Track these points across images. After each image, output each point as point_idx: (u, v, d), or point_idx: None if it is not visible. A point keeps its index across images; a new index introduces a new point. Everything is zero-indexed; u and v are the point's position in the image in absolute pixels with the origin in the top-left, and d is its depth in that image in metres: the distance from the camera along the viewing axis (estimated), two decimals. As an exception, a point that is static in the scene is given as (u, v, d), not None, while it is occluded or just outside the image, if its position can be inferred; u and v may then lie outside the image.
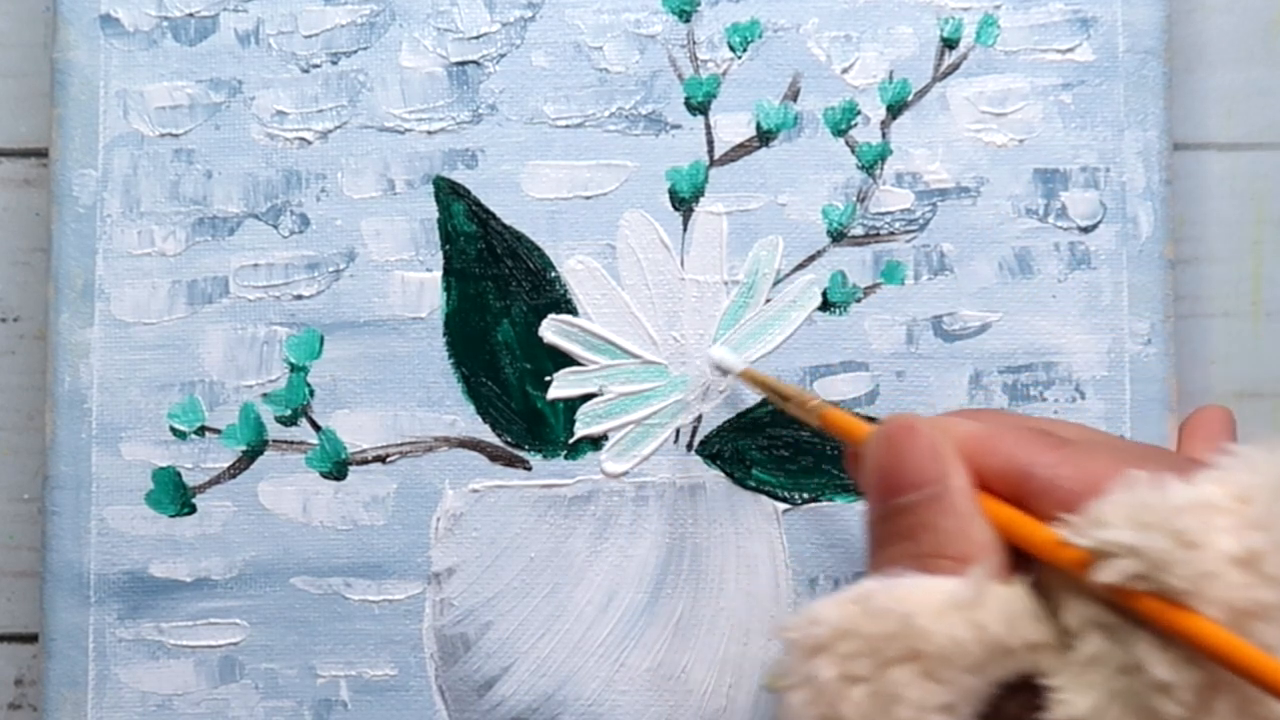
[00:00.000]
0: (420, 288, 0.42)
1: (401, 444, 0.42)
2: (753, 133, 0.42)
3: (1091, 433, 0.30)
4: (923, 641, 0.25)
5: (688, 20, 0.42)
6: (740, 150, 0.42)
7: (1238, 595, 0.23)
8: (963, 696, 0.25)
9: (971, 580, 0.25)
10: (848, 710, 0.25)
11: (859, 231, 0.42)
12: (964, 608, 0.25)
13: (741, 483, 0.42)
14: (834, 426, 0.34)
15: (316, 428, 0.42)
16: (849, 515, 0.42)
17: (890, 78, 0.42)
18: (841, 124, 0.42)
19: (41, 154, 0.45)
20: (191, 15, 0.42)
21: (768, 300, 0.42)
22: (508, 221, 0.42)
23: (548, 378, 0.42)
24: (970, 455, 0.27)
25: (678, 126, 0.42)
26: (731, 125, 0.42)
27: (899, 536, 0.27)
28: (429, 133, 0.42)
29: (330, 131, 0.42)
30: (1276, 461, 0.25)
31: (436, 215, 0.42)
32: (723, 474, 0.42)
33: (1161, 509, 0.24)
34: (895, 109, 0.42)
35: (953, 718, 0.25)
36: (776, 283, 0.42)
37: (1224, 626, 0.23)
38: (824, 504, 0.42)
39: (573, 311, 0.42)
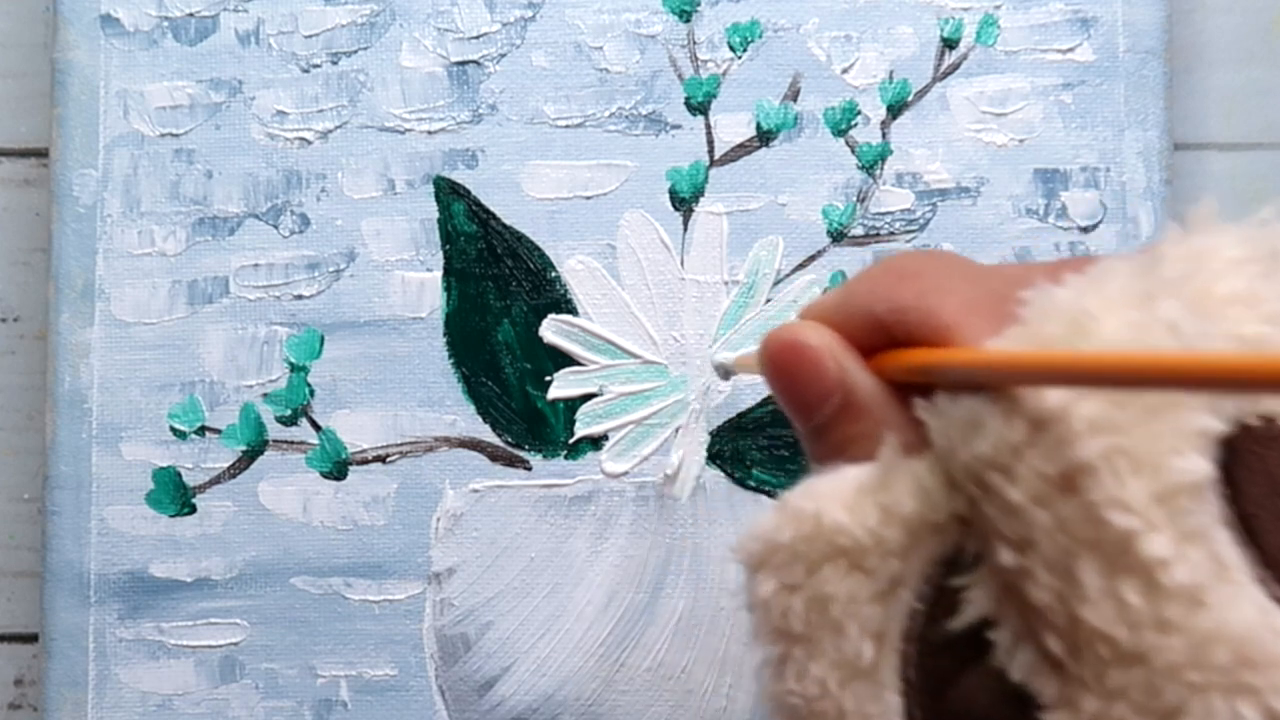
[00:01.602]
0: (420, 288, 0.42)
1: (402, 444, 0.42)
2: (753, 133, 0.42)
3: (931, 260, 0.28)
4: (839, 535, 0.24)
5: (688, 20, 0.42)
6: (740, 150, 0.42)
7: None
8: (896, 582, 0.24)
9: (878, 461, 0.24)
10: (793, 622, 0.24)
11: (859, 231, 0.42)
12: (872, 491, 0.24)
13: (741, 483, 0.42)
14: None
15: (317, 428, 0.42)
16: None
17: (890, 78, 0.42)
18: (842, 124, 0.42)
19: (41, 154, 0.45)
20: (192, 15, 0.42)
21: (768, 300, 0.42)
22: (508, 221, 0.42)
23: (548, 378, 0.42)
24: (849, 332, 0.26)
25: (678, 126, 0.42)
26: (732, 125, 0.42)
27: (829, 453, 0.26)
28: (429, 133, 0.42)
29: (330, 131, 0.42)
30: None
31: (437, 215, 0.42)
32: (723, 474, 0.42)
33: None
34: (895, 109, 0.42)
35: (892, 605, 0.24)
36: (777, 283, 0.42)
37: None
38: (824, 504, 0.42)
39: (573, 311, 0.42)
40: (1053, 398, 0.21)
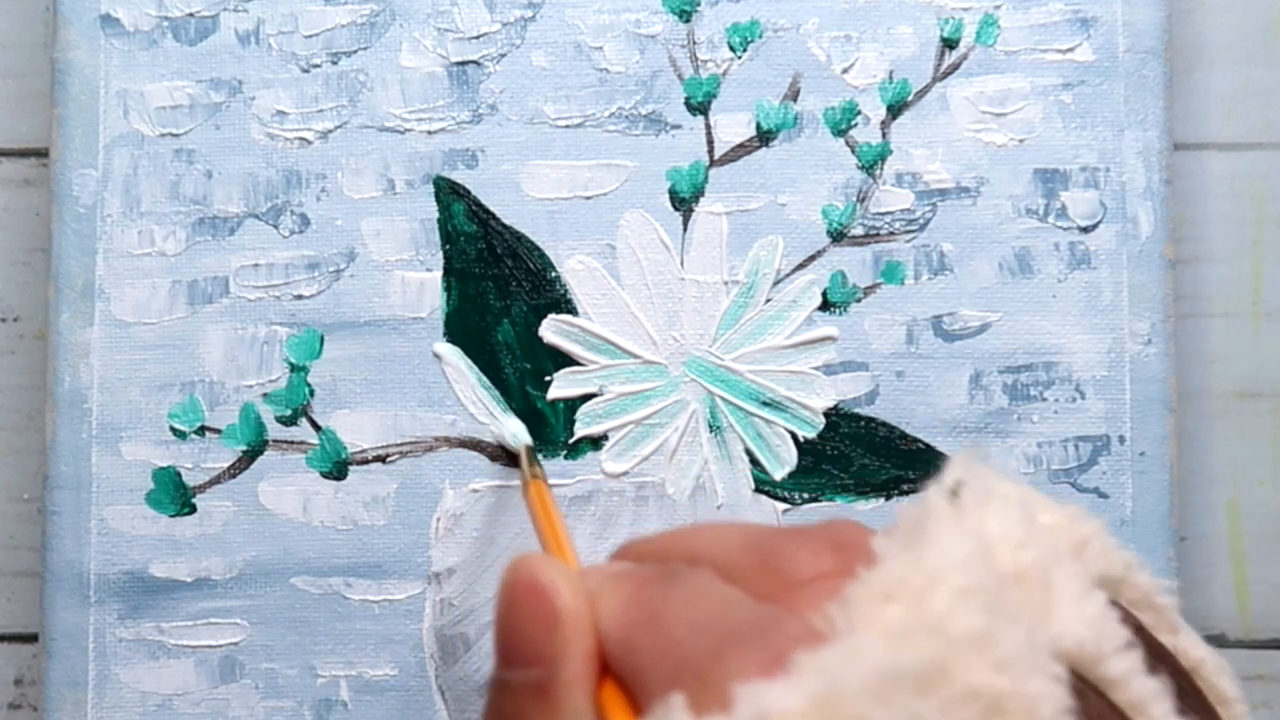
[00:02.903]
0: (420, 288, 0.42)
1: (401, 444, 0.42)
2: (753, 133, 0.42)
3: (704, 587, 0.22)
4: None
5: (688, 20, 0.42)
6: (740, 150, 0.42)
7: None
8: None
9: None
10: None
11: (859, 231, 0.42)
12: None
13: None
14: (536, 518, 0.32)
15: (317, 428, 0.42)
16: (849, 515, 0.42)
17: (890, 78, 0.42)
18: (841, 124, 0.42)
19: (41, 154, 0.45)
20: (191, 15, 0.42)
21: (768, 300, 0.42)
22: (508, 221, 0.42)
23: (548, 378, 0.42)
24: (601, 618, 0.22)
25: (678, 126, 0.42)
26: (731, 125, 0.42)
27: (500, 716, 0.22)
28: (429, 133, 0.42)
29: (330, 131, 0.42)
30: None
31: (436, 215, 0.42)
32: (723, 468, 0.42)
33: None
34: (895, 109, 0.42)
35: None
36: (776, 283, 0.42)
37: None
38: (824, 503, 0.42)
39: (573, 311, 0.42)
40: None
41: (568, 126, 0.42)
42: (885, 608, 0.20)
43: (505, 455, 0.42)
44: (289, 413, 0.42)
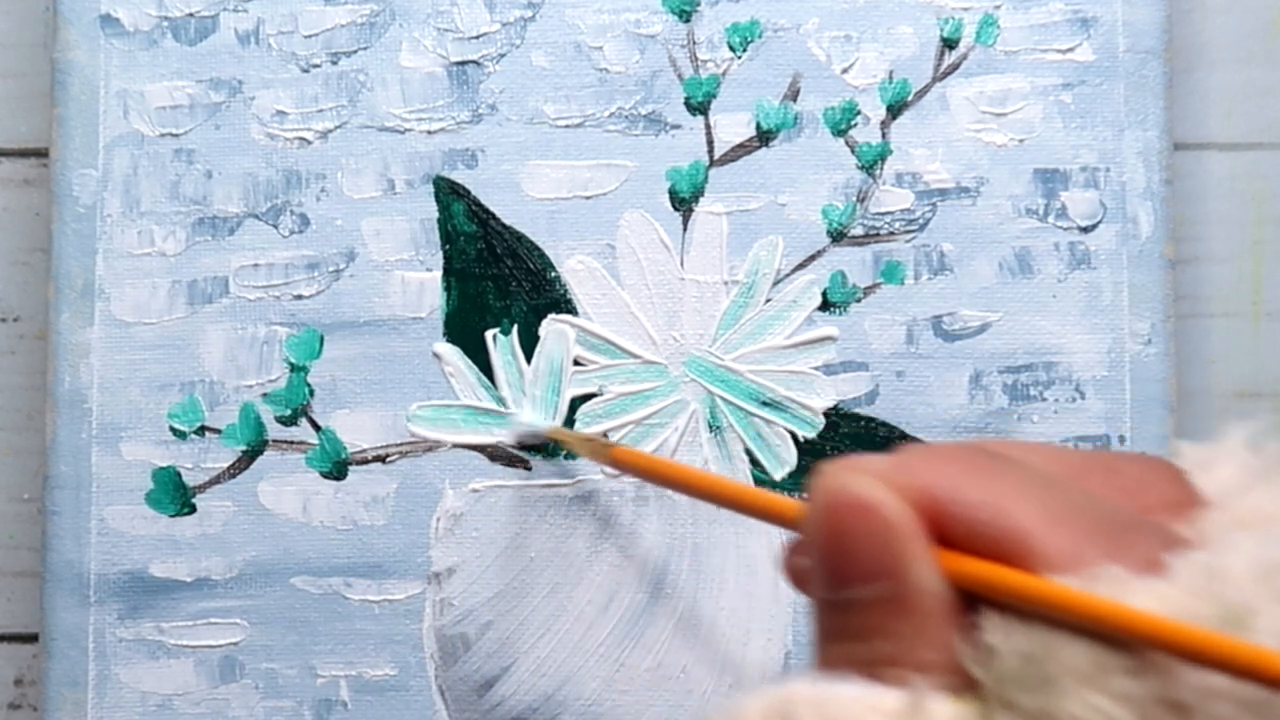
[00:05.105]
0: (420, 288, 0.42)
1: (401, 444, 0.42)
2: (753, 133, 0.42)
3: (1057, 463, 0.24)
4: None
5: (688, 20, 0.42)
6: (740, 150, 0.42)
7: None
8: None
9: (910, 703, 0.20)
10: None
11: (859, 231, 0.42)
12: None
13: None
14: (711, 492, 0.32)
15: (316, 428, 0.42)
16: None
17: (890, 78, 0.42)
18: (841, 124, 0.42)
19: (41, 154, 0.45)
20: (191, 15, 0.42)
21: (768, 300, 0.42)
22: (508, 221, 0.42)
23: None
24: (934, 516, 0.22)
25: (678, 126, 0.42)
26: (731, 125, 0.42)
27: (846, 635, 0.22)
28: (429, 133, 0.42)
29: (330, 131, 0.42)
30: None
31: (436, 215, 0.42)
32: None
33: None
34: (895, 109, 0.42)
35: None
36: (776, 283, 0.42)
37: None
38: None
39: (573, 311, 0.42)
40: (1188, 689, 0.19)
41: (568, 126, 0.42)
42: (1243, 534, 0.21)
43: (505, 456, 0.42)
44: (289, 413, 0.42)
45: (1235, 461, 0.22)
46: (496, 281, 0.42)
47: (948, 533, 0.21)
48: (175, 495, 0.42)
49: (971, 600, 0.21)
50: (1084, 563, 0.20)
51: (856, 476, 0.22)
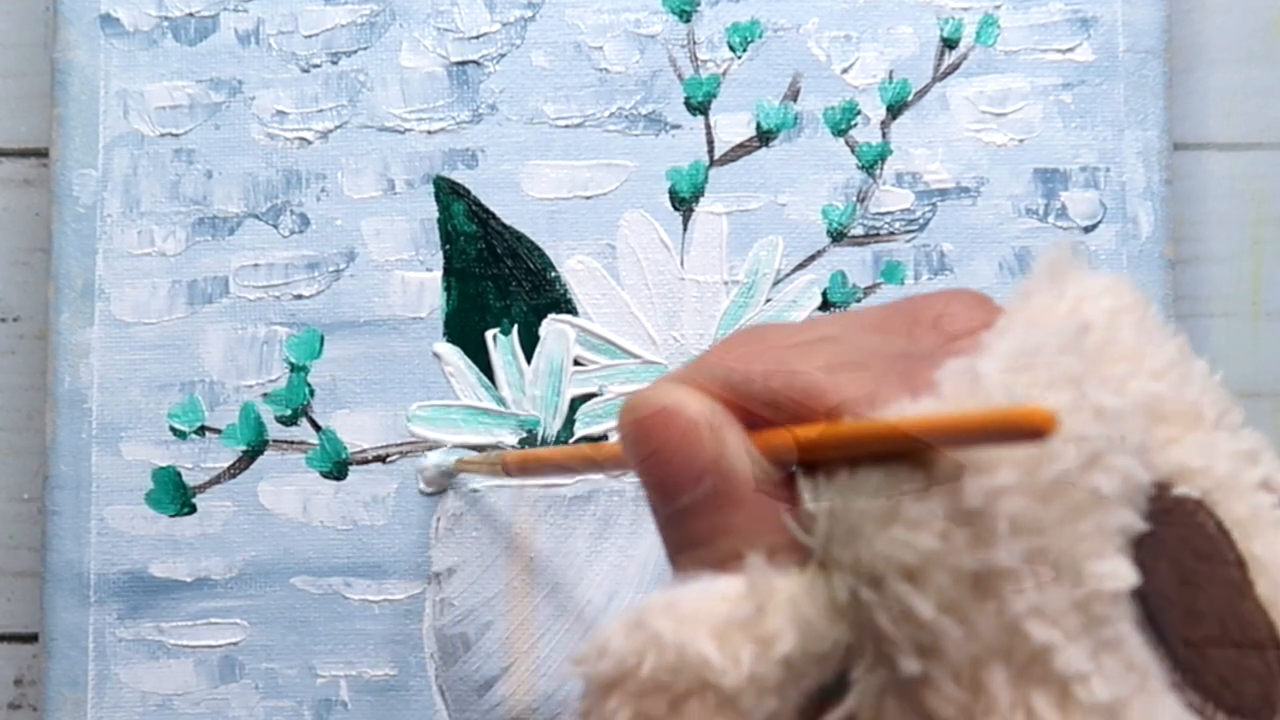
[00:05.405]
0: (420, 288, 0.42)
1: (401, 444, 0.42)
2: (753, 133, 0.42)
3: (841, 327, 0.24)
4: (706, 670, 0.20)
5: (688, 20, 0.42)
6: (740, 150, 0.42)
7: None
8: (772, 718, 0.21)
9: (751, 584, 0.21)
10: None
11: (859, 231, 0.42)
12: (744, 624, 0.21)
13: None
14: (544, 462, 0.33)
15: (316, 428, 0.42)
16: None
17: (890, 78, 0.42)
18: (841, 124, 0.42)
19: (41, 154, 0.45)
20: (191, 15, 0.42)
21: (768, 300, 0.42)
22: (508, 221, 0.42)
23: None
24: (735, 402, 0.22)
25: (678, 126, 0.42)
26: (731, 125, 0.42)
27: (691, 544, 0.22)
28: (429, 132, 0.42)
29: (330, 131, 0.42)
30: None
31: (436, 215, 0.42)
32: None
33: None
34: (895, 109, 0.42)
35: None
36: (776, 283, 0.42)
37: None
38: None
39: (573, 311, 0.42)
40: (974, 495, 0.19)
41: (568, 126, 0.42)
42: (1010, 331, 0.21)
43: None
44: (289, 413, 0.42)
45: (1047, 281, 0.23)
46: (496, 281, 0.42)
47: (754, 415, 0.22)
48: (175, 495, 0.42)
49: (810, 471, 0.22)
50: (878, 402, 0.21)
51: (654, 388, 0.23)
